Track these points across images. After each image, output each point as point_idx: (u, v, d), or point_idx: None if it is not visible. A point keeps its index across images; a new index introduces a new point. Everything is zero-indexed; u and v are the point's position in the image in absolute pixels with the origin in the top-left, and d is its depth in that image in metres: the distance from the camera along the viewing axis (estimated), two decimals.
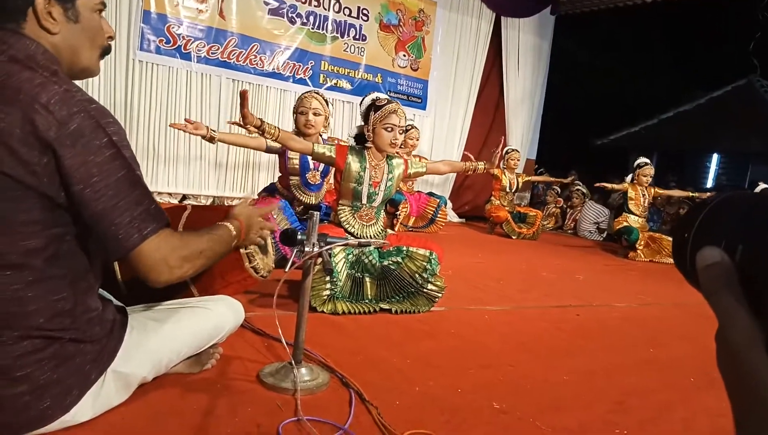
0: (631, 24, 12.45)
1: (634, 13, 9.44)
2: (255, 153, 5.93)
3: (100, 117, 1.22)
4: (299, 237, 1.74)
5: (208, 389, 1.68)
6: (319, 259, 2.71)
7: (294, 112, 3.77)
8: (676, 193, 7.35)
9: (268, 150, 3.64)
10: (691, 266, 0.46)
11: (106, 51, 1.37)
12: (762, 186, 5.94)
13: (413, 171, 3.15)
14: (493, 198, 7.20)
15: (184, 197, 6.15)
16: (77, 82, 1.30)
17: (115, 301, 1.59)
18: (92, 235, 1.27)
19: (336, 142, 4.22)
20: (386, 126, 2.88)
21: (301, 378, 1.73)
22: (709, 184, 15.20)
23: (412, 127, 6.35)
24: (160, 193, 5.98)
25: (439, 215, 6.41)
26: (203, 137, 3.52)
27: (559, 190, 9.14)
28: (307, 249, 1.70)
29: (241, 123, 2.94)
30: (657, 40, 14.78)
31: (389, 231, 3.06)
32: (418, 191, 6.66)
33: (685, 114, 15.27)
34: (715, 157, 16.11)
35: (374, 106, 2.91)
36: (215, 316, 1.68)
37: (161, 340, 1.53)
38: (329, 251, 1.74)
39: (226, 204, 6.16)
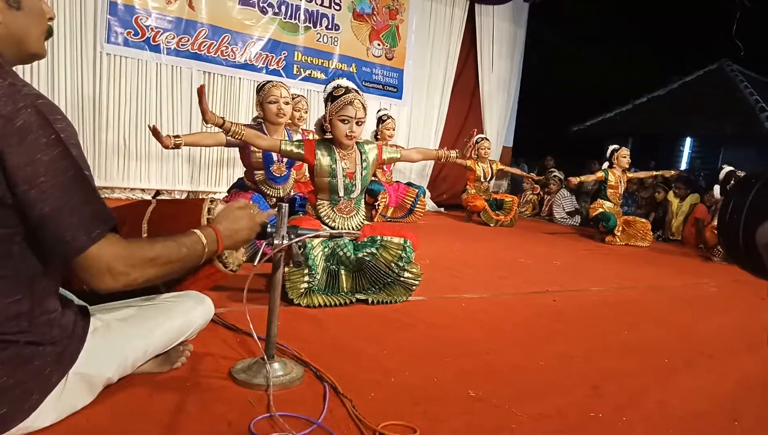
0: (606, 10, 12.53)
1: (609, 1, 9.49)
2: (228, 149, 5.84)
3: (49, 113, 1.16)
4: (269, 230, 1.70)
5: (178, 387, 1.63)
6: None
7: (260, 103, 3.66)
8: (644, 174, 7.43)
9: (228, 144, 3.55)
10: (747, 247, 0.44)
11: (49, 33, 1.31)
12: (726, 169, 6.02)
13: (387, 156, 3.09)
14: (468, 187, 7.20)
15: (158, 193, 6.05)
16: (35, 78, 1.24)
17: (77, 301, 1.53)
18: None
19: (305, 136, 4.16)
20: (342, 117, 2.76)
21: (273, 373, 1.69)
22: (684, 166, 15.42)
23: (388, 117, 6.31)
24: (132, 190, 5.87)
25: (417, 205, 6.40)
26: (167, 147, 3.43)
27: (535, 176, 9.20)
28: (276, 242, 1.66)
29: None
30: (631, 26, 14.91)
31: (364, 222, 3.02)
32: (396, 181, 6.63)
33: (659, 99, 15.44)
34: (688, 140, 16.34)
35: (331, 97, 2.80)
36: (183, 313, 1.64)
37: (126, 339, 1.48)
38: (299, 243, 1.70)
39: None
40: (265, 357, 1.73)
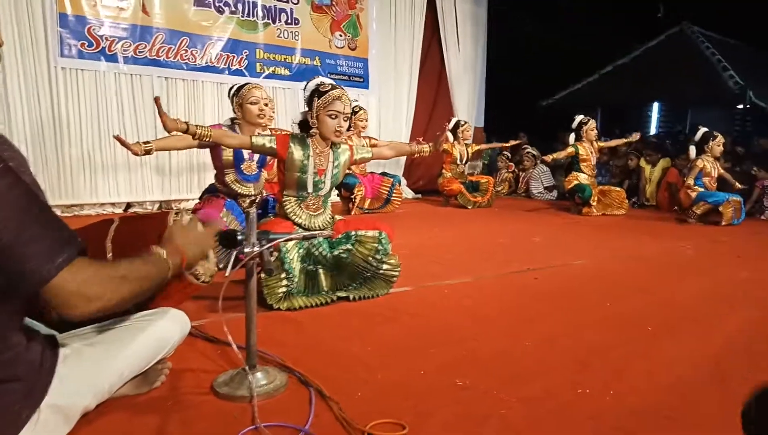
0: None
1: None
2: (200, 153, 5.74)
3: None
4: (239, 237, 1.65)
5: (159, 408, 1.59)
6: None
7: (240, 104, 3.60)
8: (616, 142, 7.49)
9: (200, 145, 3.49)
10: None
11: None
12: (702, 130, 6.08)
13: (359, 157, 3.06)
14: (444, 171, 7.19)
15: (129, 205, 5.92)
16: None
17: (45, 330, 1.48)
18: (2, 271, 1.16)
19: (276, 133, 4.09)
20: (330, 113, 2.75)
21: (256, 383, 1.66)
22: (653, 131, 15.61)
23: (360, 108, 6.26)
24: (102, 205, 5.74)
25: (394, 194, 6.38)
26: (137, 154, 3.35)
27: (509, 155, 9.23)
28: (246, 250, 1.62)
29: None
30: None
31: (337, 217, 2.98)
32: (371, 172, 6.59)
33: (624, 67, 15.54)
34: (655, 105, 16.55)
35: (317, 92, 2.78)
36: (157, 331, 1.59)
37: (99, 364, 1.43)
38: (271, 249, 1.66)
39: (173, 208, 5.97)
40: (247, 367, 1.69)
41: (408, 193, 8.31)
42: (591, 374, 1.92)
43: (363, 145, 6.00)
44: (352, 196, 6.05)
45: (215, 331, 2.19)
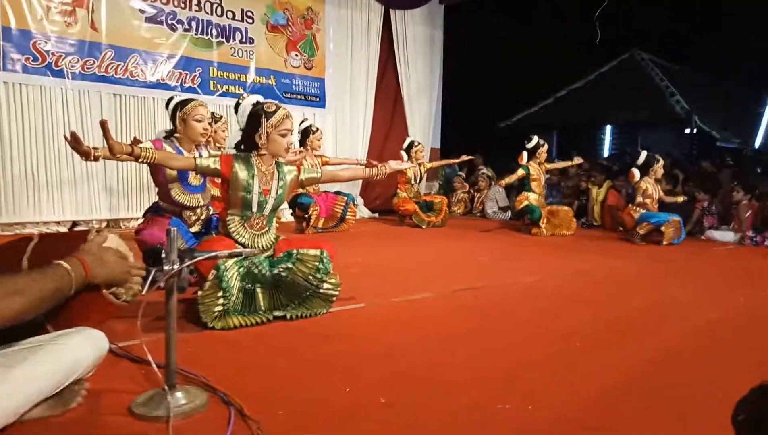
0: (519, 8, 12.96)
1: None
2: (148, 171, 5.65)
3: None
4: (163, 255, 1.64)
5: (72, 430, 1.56)
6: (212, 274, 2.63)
7: (183, 119, 3.56)
8: (561, 164, 7.70)
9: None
10: None
11: None
12: (644, 153, 6.32)
13: (306, 177, 3.07)
14: (399, 191, 7.25)
15: (75, 224, 5.76)
16: None
17: None
18: None
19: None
20: (282, 132, 2.82)
21: (175, 403, 1.63)
22: (606, 153, 16.12)
23: (317, 129, 6.30)
24: (46, 223, 5.58)
25: (348, 213, 6.39)
26: (86, 157, 3.26)
27: (465, 175, 9.39)
28: (166, 268, 1.61)
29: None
30: (546, 21, 15.48)
31: (281, 237, 2.98)
32: (325, 191, 6.59)
33: (578, 90, 16.11)
34: (608, 128, 17.14)
35: (265, 113, 2.81)
36: (71, 351, 1.55)
37: (3, 385, 1.39)
38: (191, 268, 1.65)
39: (94, 226, 5.86)
40: (166, 387, 1.67)
41: (365, 212, 8.35)
42: (515, 389, 1.96)
43: (314, 165, 6.03)
44: (307, 216, 6.05)
45: (143, 351, 2.14)
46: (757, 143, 16.03)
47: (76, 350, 1.58)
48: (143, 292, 1.55)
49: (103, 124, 2.67)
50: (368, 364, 2.16)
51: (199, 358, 2.12)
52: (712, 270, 4.86)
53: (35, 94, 5.43)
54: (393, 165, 3.34)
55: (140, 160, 2.82)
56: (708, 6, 15.51)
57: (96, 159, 3.31)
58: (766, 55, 15.88)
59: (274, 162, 2.92)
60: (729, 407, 0.96)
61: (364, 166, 3.75)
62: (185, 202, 3.64)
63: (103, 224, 5.95)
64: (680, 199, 6.37)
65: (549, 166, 7.12)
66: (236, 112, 2.98)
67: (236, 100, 3.07)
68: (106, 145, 2.75)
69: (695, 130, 13.85)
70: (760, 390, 0.79)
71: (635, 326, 2.84)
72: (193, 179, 3.66)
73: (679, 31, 16.07)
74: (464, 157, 7.91)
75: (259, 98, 2.94)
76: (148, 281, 1.58)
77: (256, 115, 2.83)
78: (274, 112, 2.81)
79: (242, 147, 2.91)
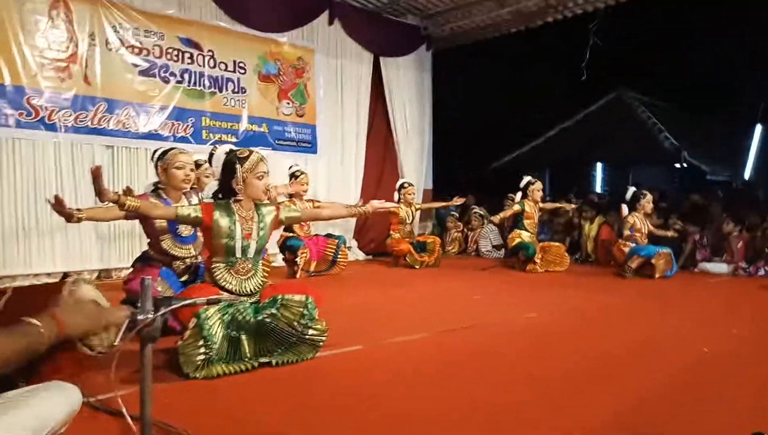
0: (506, 51, 13.26)
1: (506, 42, 10.03)
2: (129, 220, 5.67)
3: None
4: (138, 305, 1.64)
5: None
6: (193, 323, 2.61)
7: (164, 169, 3.62)
8: (551, 205, 7.74)
9: (128, 217, 3.49)
10: None
11: None
12: (632, 189, 6.40)
13: (285, 216, 3.12)
14: (392, 232, 7.27)
15: (66, 275, 5.74)
16: None
17: None
18: None
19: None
20: (258, 175, 2.89)
21: None
22: (599, 189, 16.23)
23: (302, 172, 6.34)
24: (36, 275, 5.55)
25: (339, 256, 6.37)
26: (68, 219, 3.29)
27: (458, 215, 9.43)
28: (140, 317, 1.60)
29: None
30: (532, 64, 15.83)
31: (263, 283, 2.98)
32: (315, 235, 6.60)
33: (568, 130, 16.34)
34: (599, 166, 17.33)
35: (239, 159, 2.89)
36: (41, 407, 1.52)
37: None
38: (164, 317, 1.65)
39: (71, 277, 5.85)
40: None
41: (359, 254, 8.33)
42: (500, 428, 1.93)
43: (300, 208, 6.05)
44: (296, 259, 6.03)
45: (125, 403, 2.11)
46: (747, 175, 16.20)
47: (47, 406, 1.55)
48: (115, 343, 1.54)
49: (96, 171, 2.71)
50: (348, 410, 2.14)
51: (180, 408, 2.09)
52: (705, 303, 4.85)
53: (27, 147, 5.48)
54: (376, 204, 3.39)
55: (124, 208, 2.85)
56: (691, 46, 15.93)
57: (79, 220, 3.34)
58: (750, 91, 16.23)
59: (253, 205, 2.97)
60: None
61: (345, 205, 3.81)
62: (176, 254, 3.66)
63: (94, 275, 5.92)
64: (670, 233, 6.42)
65: (544, 206, 7.20)
66: (210, 162, 3.03)
67: (210, 151, 3.14)
68: (95, 190, 2.78)
69: (685, 165, 14.01)
70: None
71: (626, 364, 2.81)
72: (184, 230, 3.67)
73: (663, 71, 16.45)
74: (457, 200, 7.79)
75: (231, 147, 3.03)
76: (121, 331, 1.57)
77: (231, 162, 2.91)
78: (248, 156, 2.90)
79: (220, 195, 2.96)
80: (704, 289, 5.65)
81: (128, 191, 3.46)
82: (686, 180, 14.59)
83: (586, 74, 8.28)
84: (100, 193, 2.78)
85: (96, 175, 2.71)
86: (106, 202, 2.90)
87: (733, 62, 15.04)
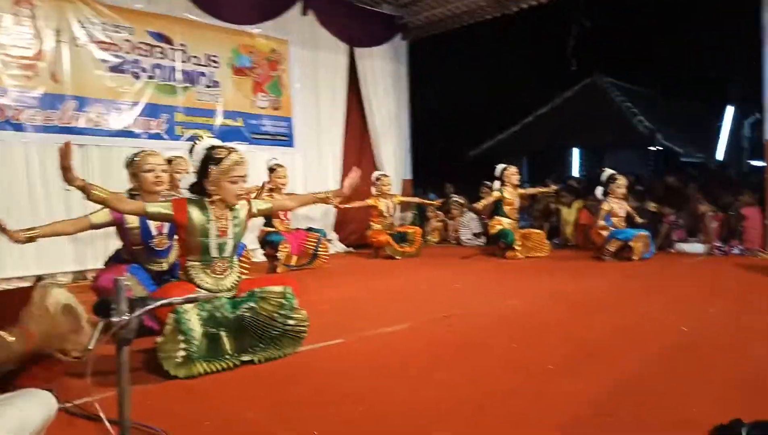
0: (482, 38, 13.26)
1: (482, 29, 10.01)
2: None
3: None
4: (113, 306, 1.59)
5: None
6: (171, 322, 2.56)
7: (134, 174, 3.51)
8: (535, 190, 7.83)
9: (95, 227, 3.33)
10: None
11: None
12: (607, 172, 6.46)
13: (258, 208, 3.04)
14: (372, 223, 7.26)
15: (39, 278, 5.61)
16: None
17: None
18: None
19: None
20: (232, 179, 2.75)
21: None
22: (576, 174, 16.40)
23: (279, 166, 6.27)
24: (8, 279, 5.42)
25: (320, 249, 6.34)
26: (17, 242, 3.02)
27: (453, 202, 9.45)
28: (114, 319, 1.56)
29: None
30: (509, 51, 15.88)
31: (239, 279, 2.93)
32: (296, 229, 6.55)
33: (544, 116, 16.47)
34: (575, 151, 17.52)
35: (212, 159, 2.75)
36: (12, 416, 1.47)
37: None
38: (140, 318, 1.60)
39: (42, 280, 5.73)
40: None
41: (340, 247, 8.30)
42: (486, 420, 1.92)
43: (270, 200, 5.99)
44: (277, 254, 5.98)
45: (104, 407, 2.07)
46: (720, 156, 16.49)
47: (21, 415, 1.49)
48: (89, 347, 1.50)
49: (65, 147, 2.53)
50: (334, 403, 2.11)
51: (160, 409, 2.05)
52: (683, 283, 4.92)
53: None
54: (346, 184, 3.37)
55: (90, 197, 2.71)
56: (663, 30, 16.13)
57: (29, 240, 3.04)
58: (720, 75, 16.52)
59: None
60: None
61: (313, 193, 3.78)
62: (149, 266, 3.51)
63: (69, 277, 5.80)
64: (637, 220, 6.42)
65: (523, 191, 7.25)
66: (191, 154, 2.94)
67: (193, 142, 2.97)
68: (62, 169, 2.59)
69: (659, 148, 14.22)
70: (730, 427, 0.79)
71: (606, 348, 2.84)
72: (159, 243, 3.51)
73: (638, 56, 16.64)
74: (437, 202, 8.61)
75: (217, 142, 2.89)
76: (95, 334, 1.53)
77: (206, 161, 2.77)
78: (224, 158, 2.74)
79: (194, 193, 2.86)
80: (681, 269, 5.74)
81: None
82: (661, 162, 14.81)
83: (568, 62, 8.35)
84: (64, 170, 2.59)
85: (64, 152, 2.53)
86: (70, 188, 2.69)
87: (703, 44, 15.24)
